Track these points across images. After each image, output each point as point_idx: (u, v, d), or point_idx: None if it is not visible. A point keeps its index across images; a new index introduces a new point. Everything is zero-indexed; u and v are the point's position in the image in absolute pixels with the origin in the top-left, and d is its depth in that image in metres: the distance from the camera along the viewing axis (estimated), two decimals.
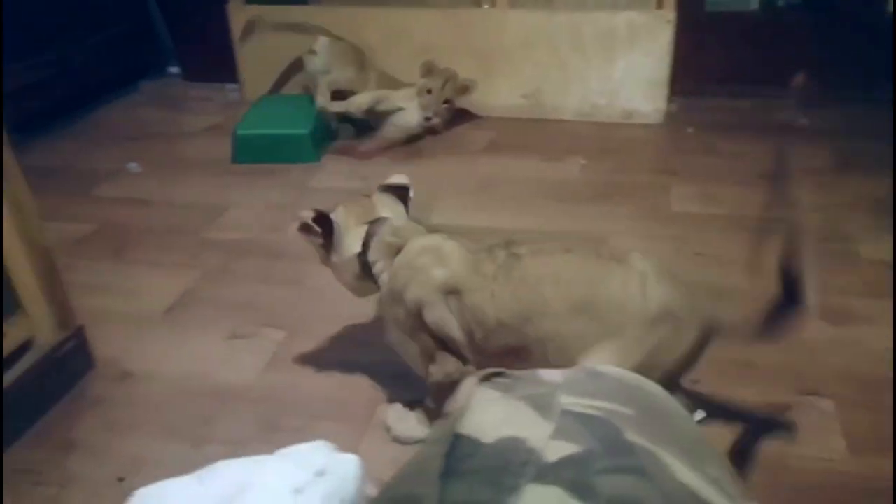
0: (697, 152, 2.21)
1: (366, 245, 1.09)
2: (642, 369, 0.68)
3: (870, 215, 1.76)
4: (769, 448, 1.10)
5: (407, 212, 1.16)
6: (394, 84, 2.37)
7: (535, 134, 2.40)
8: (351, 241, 1.10)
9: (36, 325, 1.21)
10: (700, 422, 1.11)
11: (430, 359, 1.07)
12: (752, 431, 1.09)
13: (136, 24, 2.94)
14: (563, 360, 0.93)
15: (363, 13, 2.51)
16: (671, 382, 0.94)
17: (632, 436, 0.47)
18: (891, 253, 1.58)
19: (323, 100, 2.34)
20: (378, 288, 1.10)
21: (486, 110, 2.51)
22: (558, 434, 0.47)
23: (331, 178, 2.11)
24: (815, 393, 1.21)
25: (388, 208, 1.14)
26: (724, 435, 1.09)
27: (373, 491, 0.84)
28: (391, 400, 1.21)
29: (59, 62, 2.51)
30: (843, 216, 1.76)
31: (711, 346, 0.97)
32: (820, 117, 2.38)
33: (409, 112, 2.27)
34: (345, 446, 0.91)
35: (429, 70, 2.28)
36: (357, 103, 2.28)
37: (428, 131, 2.31)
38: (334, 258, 1.12)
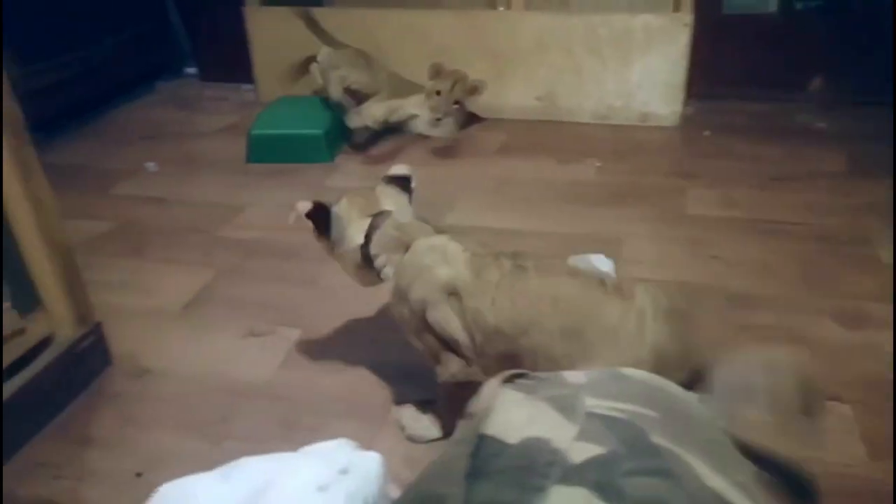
0: (713, 155, 2.20)
1: (368, 238, 1.10)
2: None
3: (888, 219, 1.74)
4: (787, 452, 1.09)
5: (410, 202, 1.17)
6: (405, 85, 2.37)
7: (549, 136, 2.40)
8: (353, 232, 1.12)
9: (56, 322, 1.23)
10: None
11: (436, 359, 1.07)
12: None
13: (154, 25, 2.97)
14: None
15: (377, 14, 2.52)
16: None
17: (657, 438, 0.47)
18: None
19: (336, 93, 2.34)
20: (381, 280, 1.11)
21: (500, 112, 2.51)
22: (582, 435, 0.47)
23: (345, 179, 2.12)
24: (835, 398, 1.19)
25: (391, 200, 1.15)
26: None
27: (395, 490, 0.84)
28: (405, 399, 1.22)
29: (79, 62, 2.54)
30: (862, 220, 1.75)
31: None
32: (837, 121, 2.36)
33: (421, 119, 2.28)
34: (360, 444, 0.91)
35: (437, 72, 2.28)
36: (373, 117, 2.28)
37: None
38: (338, 249, 1.14)
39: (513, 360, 0.98)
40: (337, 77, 2.34)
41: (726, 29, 2.51)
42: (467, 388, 1.06)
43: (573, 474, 0.44)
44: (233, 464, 0.80)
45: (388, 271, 1.09)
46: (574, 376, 0.55)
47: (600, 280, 0.97)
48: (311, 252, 1.62)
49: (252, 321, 1.46)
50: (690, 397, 0.57)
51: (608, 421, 0.49)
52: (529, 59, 2.46)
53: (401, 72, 2.40)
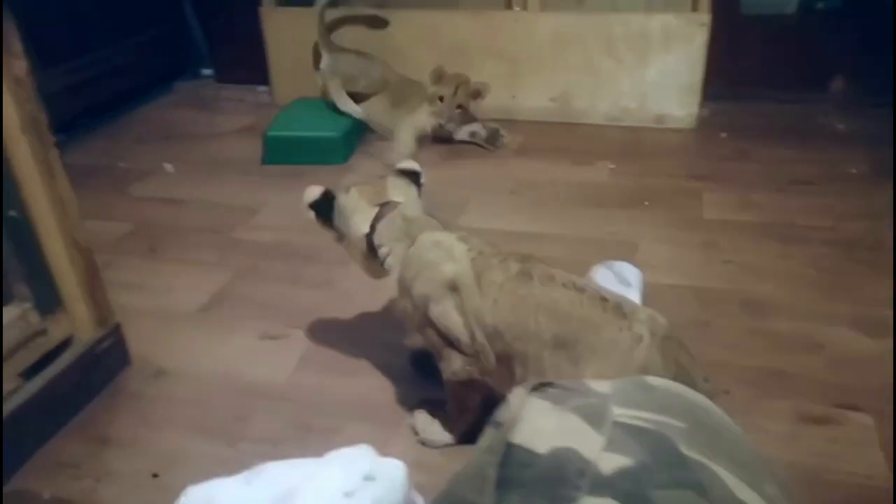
0: (730, 158, 2.18)
1: (373, 227, 1.12)
2: None
3: None
4: (805, 462, 1.09)
5: (419, 195, 1.18)
6: (412, 85, 2.37)
7: (564, 137, 2.40)
8: (360, 221, 1.13)
9: (76, 323, 1.24)
10: None
11: (438, 356, 1.08)
12: None
13: (172, 27, 2.99)
14: None
15: (392, 14, 2.52)
16: None
17: (685, 449, 0.47)
18: None
19: (342, 104, 2.36)
20: (386, 270, 1.12)
21: (515, 113, 2.51)
22: (611, 446, 0.47)
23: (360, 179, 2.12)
24: (854, 407, 1.18)
25: (400, 191, 1.16)
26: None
27: (418, 497, 0.84)
28: (419, 402, 1.22)
29: (98, 64, 2.56)
30: (884, 224, 1.72)
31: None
32: (857, 122, 2.34)
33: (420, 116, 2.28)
34: (374, 448, 0.92)
35: (439, 76, 2.26)
36: (409, 149, 2.25)
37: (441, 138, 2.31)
38: (345, 237, 1.16)
39: (505, 361, 1.00)
40: (335, 86, 2.36)
41: (744, 29, 2.49)
42: (471, 387, 1.07)
43: (603, 486, 0.44)
44: (257, 469, 0.81)
45: (391, 261, 1.11)
46: (599, 385, 0.55)
47: (602, 298, 0.97)
48: (327, 254, 1.64)
49: (267, 323, 1.47)
50: (716, 408, 0.56)
51: (636, 431, 0.49)
52: (545, 60, 2.45)
53: (415, 73, 2.39)
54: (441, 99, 2.23)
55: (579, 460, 0.46)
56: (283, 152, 2.24)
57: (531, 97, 2.50)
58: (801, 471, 1.06)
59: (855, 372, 1.27)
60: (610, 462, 0.46)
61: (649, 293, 1.43)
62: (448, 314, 1.03)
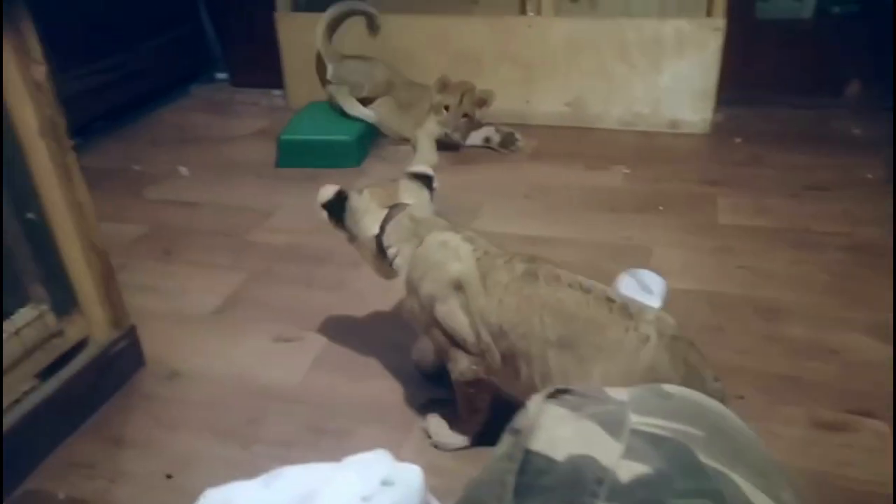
0: (744, 163, 2.17)
1: (383, 228, 1.13)
2: None
3: None
4: (817, 468, 1.08)
5: (431, 199, 1.19)
6: (419, 90, 2.38)
7: (577, 142, 2.39)
8: (370, 222, 1.14)
9: (92, 325, 1.25)
10: None
11: (445, 356, 1.08)
12: None
13: (188, 31, 3.02)
14: (544, 384, 0.96)
15: (406, 21, 2.53)
16: None
17: (704, 457, 0.47)
18: None
19: (353, 111, 2.38)
20: (395, 271, 1.13)
21: (529, 118, 2.51)
22: (629, 454, 0.46)
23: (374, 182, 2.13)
24: (868, 414, 1.17)
25: (412, 194, 1.17)
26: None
27: (434, 502, 0.84)
28: (426, 402, 1.22)
29: (115, 68, 2.59)
30: None
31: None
32: (873, 127, 2.32)
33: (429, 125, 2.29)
34: (387, 450, 0.92)
35: (444, 85, 2.27)
36: (432, 158, 2.25)
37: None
38: (356, 238, 1.17)
39: (510, 361, 1.01)
40: (343, 94, 2.38)
41: (759, 34, 2.47)
42: (479, 387, 1.07)
43: (621, 494, 0.44)
44: (274, 472, 0.82)
45: (399, 262, 1.12)
46: (617, 392, 0.55)
47: (608, 298, 0.97)
48: (340, 257, 1.65)
49: (281, 325, 1.48)
50: (733, 415, 0.56)
51: (654, 439, 0.48)
52: (558, 65, 2.45)
53: (430, 79, 2.40)
54: (447, 108, 2.24)
55: (597, 468, 0.46)
56: (296, 156, 2.25)
57: (545, 102, 2.50)
58: (815, 477, 1.06)
59: (869, 378, 1.25)
60: (628, 470, 0.45)
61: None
62: (453, 314, 1.03)
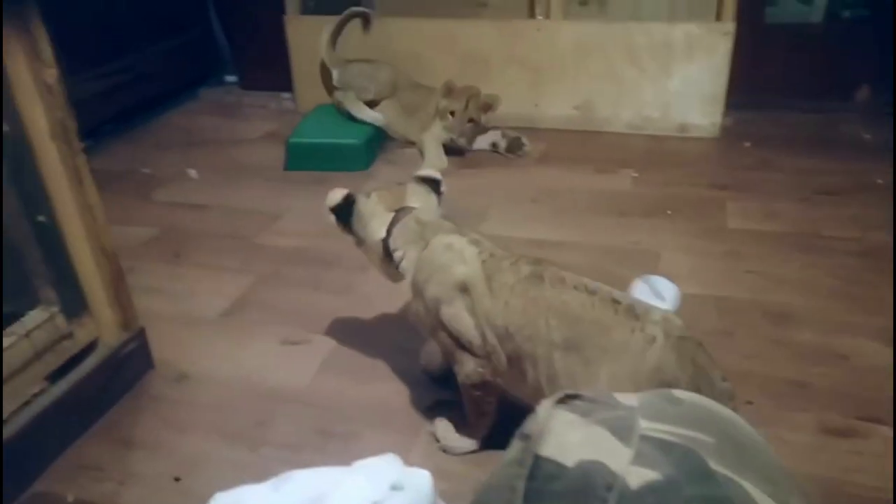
0: (754, 167, 2.16)
1: (389, 232, 1.13)
2: None
3: None
4: (826, 474, 1.07)
5: (439, 203, 1.19)
6: (425, 93, 2.38)
7: (586, 146, 2.39)
8: (377, 226, 1.15)
9: (102, 327, 1.26)
10: None
11: (451, 359, 1.08)
12: None
13: (196, 35, 3.04)
14: (550, 386, 0.97)
15: (415, 24, 2.54)
16: None
17: (713, 464, 0.47)
18: None
19: (360, 115, 2.39)
20: (401, 274, 1.13)
21: (538, 122, 2.51)
22: (638, 460, 0.46)
23: (380, 186, 2.14)
24: (877, 420, 1.17)
25: (419, 198, 1.18)
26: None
27: None
28: (433, 403, 1.22)
29: (125, 71, 2.61)
30: None
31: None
32: (883, 131, 2.30)
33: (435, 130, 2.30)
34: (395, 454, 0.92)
35: (449, 90, 2.26)
36: (441, 163, 2.26)
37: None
38: (364, 242, 1.18)
39: (516, 363, 1.01)
40: (350, 99, 2.39)
41: (769, 38, 2.47)
42: (485, 390, 1.07)
43: (631, 500, 0.44)
44: (284, 476, 0.82)
45: (405, 265, 1.12)
46: (627, 398, 0.55)
47: (614, 299, 0.97)
48: (348, 260, 1.65)
49: (289, 328, 1.48)
50: (743, 421, 0.56)
51: (663, 445, 0.48)
52: (567, 69, 2.45)
53: (438, 82, 2.40)
54: (452, 114, 2.24)
55: (607, 474, 0.46)
56: (305, 159, 2.26)
57: (554, 105, 2.50)
58: (823, 483, 1.05)
59: (879, 384, 1.25)
60: (638, 476, 0.45)
61: None
62: (459, 316, 1.03)
